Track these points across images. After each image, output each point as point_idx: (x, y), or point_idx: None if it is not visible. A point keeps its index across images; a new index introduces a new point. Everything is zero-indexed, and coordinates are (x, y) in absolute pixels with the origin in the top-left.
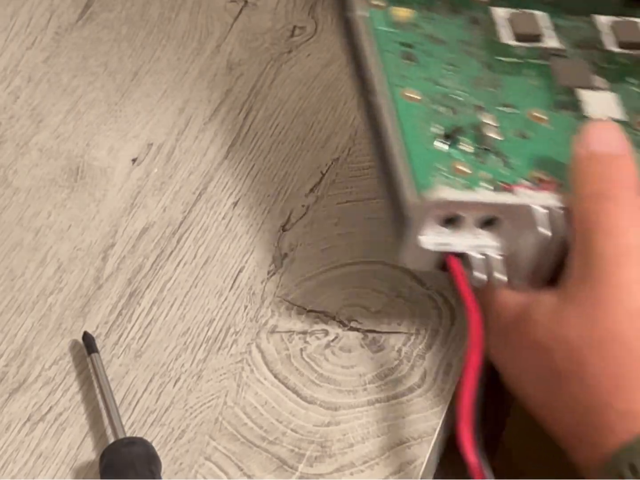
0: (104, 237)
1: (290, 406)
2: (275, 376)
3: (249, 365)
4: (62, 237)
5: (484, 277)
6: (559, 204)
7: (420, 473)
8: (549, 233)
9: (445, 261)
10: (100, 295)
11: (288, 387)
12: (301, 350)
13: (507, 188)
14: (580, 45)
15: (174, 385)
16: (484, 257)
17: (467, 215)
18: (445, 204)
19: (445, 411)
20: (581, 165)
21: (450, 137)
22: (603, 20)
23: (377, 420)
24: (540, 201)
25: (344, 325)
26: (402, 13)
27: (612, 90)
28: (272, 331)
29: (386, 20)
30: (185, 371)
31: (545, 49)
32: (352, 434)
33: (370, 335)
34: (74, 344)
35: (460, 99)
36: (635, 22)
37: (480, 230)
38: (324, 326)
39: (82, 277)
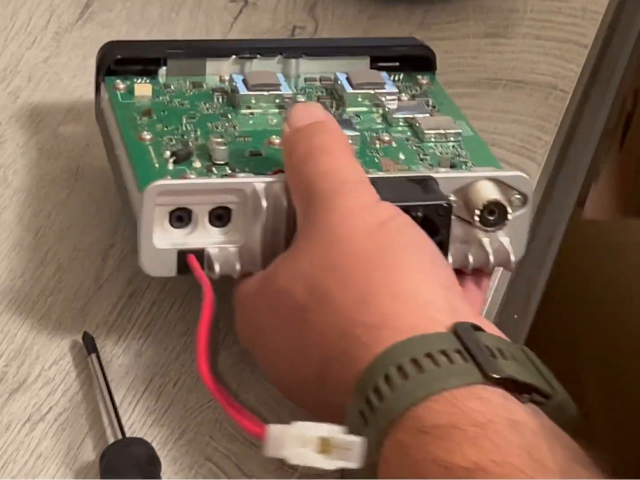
0: (104, 237)
1: (290, 406)
2: None
3: (249, 365)
4: (62, 237)
5: (219, 269)
6: (277, 180)
7: None
8: (264, 204)
9: (186, 261)
10: (100, 295)
11: None
12: None
13: (230, 175)
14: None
15: (174, 385)
16: (219, 250)
17: (195, 209)
18: (165, 190)
19: None
20: (288, 139)
21: (183, 157)
22: (343, 72)
23: None
24: (260, 180)
25: None
26: (141, 88)
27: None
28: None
29: (127, 95)
30: (185, 371)
31: (282, 95)
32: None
33: None
34: (74, 344)
35: (192, 135)
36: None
37: (212, 227)
38: None
39: (82, 277)
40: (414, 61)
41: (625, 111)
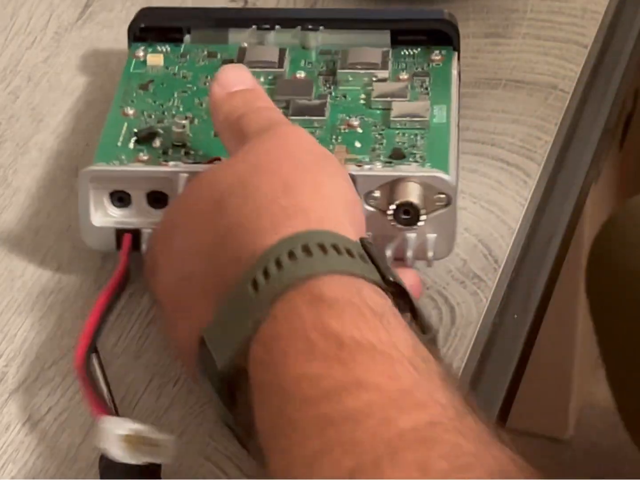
0: None
1: None
2: None
3: None
4: (62, 237)
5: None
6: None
7: None
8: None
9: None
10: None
11: None
12: None
13: (163, 163)
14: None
15: (174, 385)
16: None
17: (131, 192)
18: (96, 176)
19: None
20: (220, 101)
21: (144, 137)
22: (344, 50)
23: None
24: (186, 170)
25: None
26: (154, 58)
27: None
28: None
29: (139, 64)
30: (185, 371)
31: (278, 72)
32: None
33: None
34: (74, 344)
35: (172, 112)
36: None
37: (152, 209)
38: None
39: (82, 277)
40: (433, 36)
41: (625, 111)
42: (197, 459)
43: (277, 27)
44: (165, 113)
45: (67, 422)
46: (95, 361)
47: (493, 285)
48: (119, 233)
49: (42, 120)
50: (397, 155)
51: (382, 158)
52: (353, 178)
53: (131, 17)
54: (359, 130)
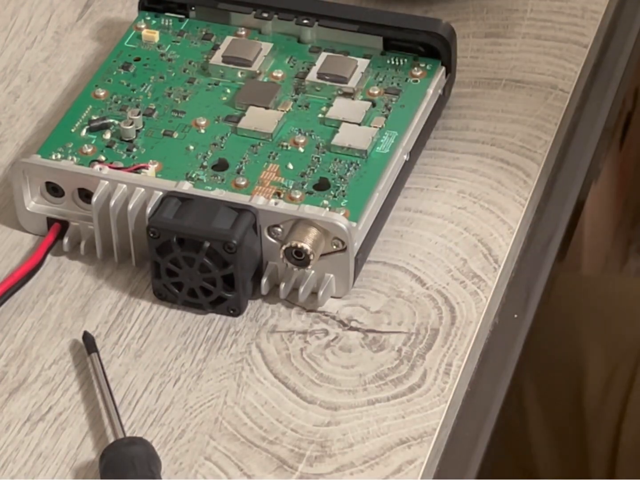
0: None
1: (290, 406)
2: (275, 376)
3: (249, 365)
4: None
5: (67, 242)
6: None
7: (420, 473)
8: (94, 199)
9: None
10: (100, 295)
11: (288, 387)
12: (301, 350)
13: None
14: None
15: (174, 385)
16: (79, 225)
17: (62, 186)
18: (27, 169)
19: (445, 411)
20: None
21: (96, 127)
22: (322, 56)
23: (377, 420)
24: (108, 175)
25: (344, 325)
26: (148, 34)
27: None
28: (272, 331)
29: (135, 38)
30: (185, 371)
31: (250, 71)
32: (352, 434)
33: (370, 335)
34: (74, 344)
35: (138, 101)
36: (345, 59)
37: (84, 203)
38: (324, 326)
39: (82, 277)
40: (424, 47)
41: (625, 111)
42: (197, 459)
43: (275, 17)
44: (132, 100)
45: (67, 422)
46: (95, 361)
47: (493, 285)
48: (50, 221)
49: (42, 120)
50: (322, 186)
51: (305, 187)
52: (255, 211)
53: (131, 16)
54: (301, 150)
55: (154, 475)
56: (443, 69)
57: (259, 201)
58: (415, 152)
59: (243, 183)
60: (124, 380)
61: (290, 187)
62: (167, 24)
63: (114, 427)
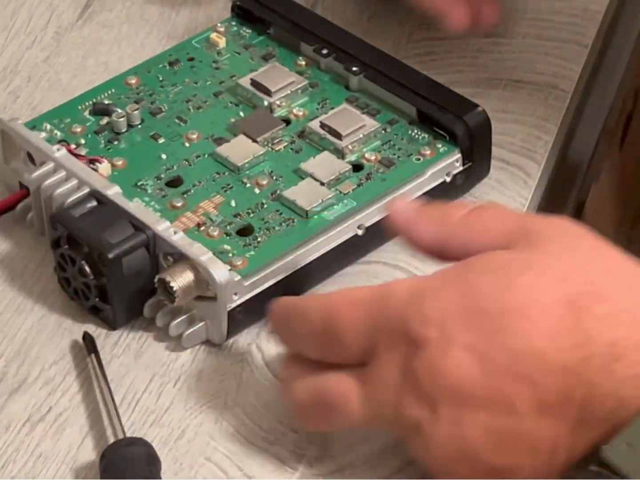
0: None
1: (289, 407)
2: (276, 376)
3: (249, 365)
4: None
5: (20, 210)
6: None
7: (420, 473)
8: None
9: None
10: None
11: None
12: None
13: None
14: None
15: (174, 385)
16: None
17: (33, 155)
18: (8, 132)
19: None
20: (413, 219)
21: (98, 110)
22: (340, 107)
23: None
24: (62, 162)
25: None
26: (215, 38)
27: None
28: (273, 331)
29: (205, 39)
30: (186, 371)
31: (269, 102)
32: (352, 434)
33: None
34: (74, 344)
35: (157, 98)
36: (354, 115)
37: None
38: None
39: None
40: (444, 130)
41: (625, 111)
42: (197, 459)
43: (331, 56)
44: (152, 95)
45: (67, 422)
46: (95, 361)
47: None
48: (22, 185)
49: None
50: (245, 232)
51: (229, 228)
52: (150, 234)
53: (131, 16)
54: (256, 191)
55: (154, 475)
56: (458, 155)
57: (159, 226)
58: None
59: (179, 205)
60: (124, 380)
61: (216, 223)
62: (244, 34)
63: (114, 428)
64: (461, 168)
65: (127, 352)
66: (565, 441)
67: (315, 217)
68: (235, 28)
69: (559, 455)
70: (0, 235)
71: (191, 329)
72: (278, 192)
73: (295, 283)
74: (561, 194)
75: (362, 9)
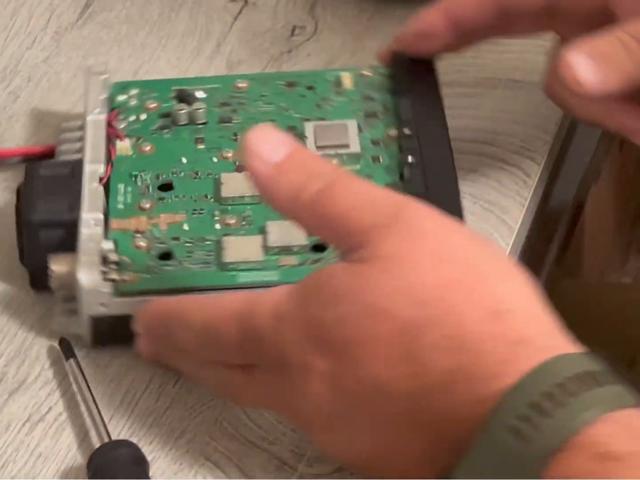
0: None
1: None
2: None
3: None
4: None
5: None
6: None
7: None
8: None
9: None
10: None
11: None
12: None
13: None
14: None
15: (174, 385)
16: None
17: None
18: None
19: None
20: (271, 180)
21: (182, 96)
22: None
23: None
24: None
25: None
26: (346, 79)
27: None
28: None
29: (337, 81)
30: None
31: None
32: None
33: None
34: (74, 344)
35: (231, 108)
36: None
37: None
38: None
39: None
40: None
41: None
42: (197, 459)
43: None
44: (241, 105)
45: (67, 422)
46: (75, 367)
47: None
48: None
49: (42, 120)
50: (166, 256)
51: (157, 246)
52: (74, 218)
53: (131, 16)
54: (217, 227)
55: (140, 476)
56: None
57: (87, 214)
58: None
59: (146, 206)
60: (124, 380)
61: (153, 237)
62: (379, 84)
63: (99, 432)
64: None
65: (127, 352)
66: (428, 457)
67: (232, 272)
68: (380, 78)
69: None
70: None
71: (65, 317)
72: (228, 235)
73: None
74: (561, 194)
75: (362, 9)
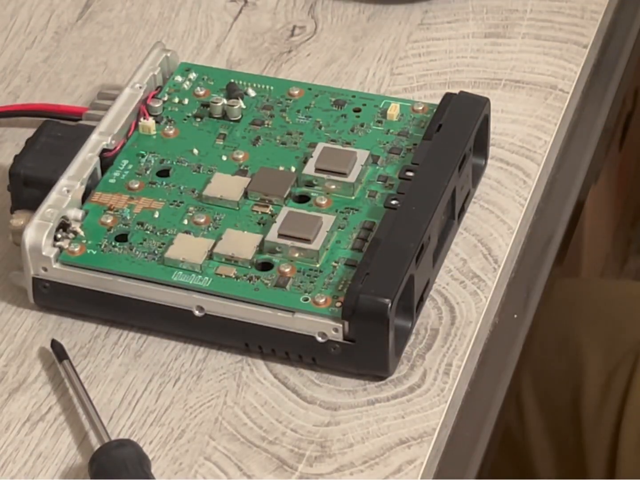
0: None
1: (290, 406)
2: (275, 376)
3: (249, 365)
4: None
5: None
6: None
7: (420, 473)
8: None
9: None
10: None
11: (288, 387)
12: None
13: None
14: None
15: (174, 385)
16: None
17: None
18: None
19: (445, 411)
20: None
21: (228, 90)
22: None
23: (377, 420)
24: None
25: None
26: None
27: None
28: None
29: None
30: (185, 371)
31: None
32: (352, 434)
33: None
34: (74, 344)
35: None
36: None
37: None
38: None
39: None
40: None
41: (625, 111)
42: (197, 459)
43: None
44: (281, 112)
45: (67, 422)
46: (68, 369)
47: (493, 285)
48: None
49: (42, 121)
50: (122, 237)
51: (119, 226)
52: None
53: (131, 16)
54: (184, 222)
55: (148, 475)
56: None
57: (64, 179)
58: None
59: (134, 187)
60: (124, 380)
61: (120, 217)
62: (424, 119)
63: (99, 432)
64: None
65: (127, 352)
66: None
67: (169, 269)
68: (426, 115)
69: None
70: (1, 235)
71: (20, 271)
72: (187, 232)
73: (108, 306)
74: (561, 194)
75: (362, 9)
